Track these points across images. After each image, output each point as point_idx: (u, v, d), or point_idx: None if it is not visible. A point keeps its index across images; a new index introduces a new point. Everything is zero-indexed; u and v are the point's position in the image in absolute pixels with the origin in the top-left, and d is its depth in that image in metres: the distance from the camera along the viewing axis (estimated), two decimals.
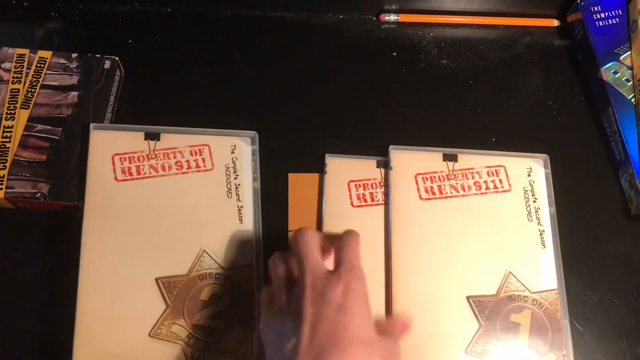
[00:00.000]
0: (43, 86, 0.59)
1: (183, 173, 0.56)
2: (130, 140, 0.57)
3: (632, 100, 0.62)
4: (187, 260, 0.53)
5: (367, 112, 0.65)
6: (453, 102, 0.65)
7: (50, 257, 0.55)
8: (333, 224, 0.56)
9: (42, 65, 0.60)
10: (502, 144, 0.63)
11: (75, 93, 0.59)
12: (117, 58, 0.61)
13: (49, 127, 0.57)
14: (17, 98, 0.58)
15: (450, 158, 0.58)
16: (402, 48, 0.68)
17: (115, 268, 0.52)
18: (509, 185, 0.58)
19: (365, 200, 0.57)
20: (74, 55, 0.61)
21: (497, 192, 0.57)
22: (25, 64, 0.60)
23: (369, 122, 0.64)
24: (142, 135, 0.57)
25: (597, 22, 0.66)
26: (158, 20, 0.68)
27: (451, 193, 0.57)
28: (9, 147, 0.55)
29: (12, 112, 0.57)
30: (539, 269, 0.55)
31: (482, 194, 0.57)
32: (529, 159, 0.59)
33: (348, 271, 0.42)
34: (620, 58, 0.64)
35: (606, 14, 0.66)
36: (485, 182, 0.58)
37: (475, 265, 0.55)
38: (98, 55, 0.61)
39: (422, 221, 0.56)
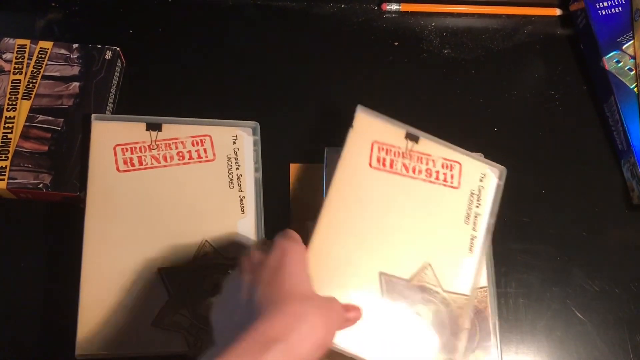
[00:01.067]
0: (44, 77, 0.59)
1: (185, 164, 0.56)
2: (131, 130, 0.57)
3: (635, 89, 0.62)
4: (189, 251, 0.54)
5: (368, 102, 0.64)
6: (455, 92, 0.65)
7: (53, 248, 0.55)
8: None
9: (43, 56, 0.60)
10: (504, 133, 0.63)
11: (76, 84, 0.59)
12: (118, 48, 0.61)
13: (50, 118, 0.57)
14: (19, 89, 0.58)
15: (411, 138, 0.56)
16: (404, 38, 0.68)
17: (118, 258, 0.52)
18: (459, 183, 0.56)
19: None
20: (75, 45, 0.60)
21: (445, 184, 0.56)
22: (26, 55, 0.60)
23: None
24: (143, 125, 0.57)
25: (599, 11, 0.65)
26: (159, 10, 0.68)
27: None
28: (10, 138, 0.55)
29: (14, 102, 0.57)
30: (459, 272, 0.53)
31: (431, 182, 0.55)
32: (487, 166, 0.57)
33: (283, 237, 0.43)
34: (623, 47, 0.64)
35: (609, 2, 0.65)
36: (437, 171, 0.56)
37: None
38: (99, 46, 0.61)
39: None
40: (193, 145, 0.57)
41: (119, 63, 0.61)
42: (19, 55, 0.59)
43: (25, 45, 0.60)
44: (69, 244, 0.53)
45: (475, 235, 0.54)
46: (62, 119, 0.57)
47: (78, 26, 0.66)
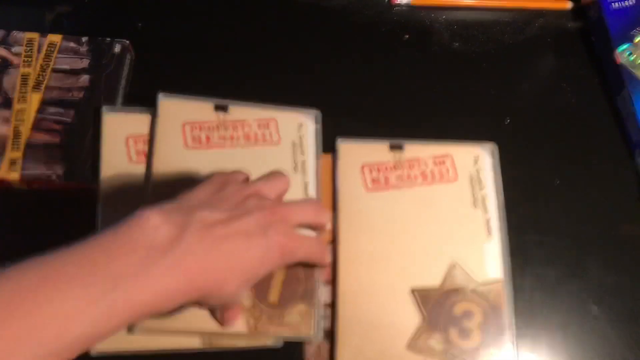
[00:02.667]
0: (54, 70, 0.58)
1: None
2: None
3: None
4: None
5: (378, 95, 0.64)
6: (466, 85, 0.65)
7: (65, 239, 0.54)
8: (347, 209, 0.56)
9: (53, 49, 0.59)
10: (516, 126, 0.63)
11: (86, 76, 0.58)
12: (127, 41, 0.61)
13: (61, 110, 0.56)
14: (28, 81, 0.57)
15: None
16: (414, 31, 0.68)
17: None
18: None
19: (379, 184, 0.57)
20: (84, 39, 0.60)
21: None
22: (35, 48, 0.59)
23: (381, 105, 0.63)
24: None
25: (612, 4, 0.65)
26: (169, 3, 0.67)
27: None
28: (22, 130, 0.55)
29: (24, 95, 0.57)
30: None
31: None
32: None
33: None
34: (636, 40, 0.63)
35: None
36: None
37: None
38: (108, 39, 0.60)
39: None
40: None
41: (128, 56, 0.61)
42: (28, 49, 0.59)
43: (34, 38, 0.60)
44: (81, 235, 0.52)
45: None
46: (73, 111, 0.56)
47: (87, 19, 0.65)
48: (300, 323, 0.51)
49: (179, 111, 0.56)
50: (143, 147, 0.55)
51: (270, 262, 0.43)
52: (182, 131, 0.56)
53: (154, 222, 0.37)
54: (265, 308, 0.51)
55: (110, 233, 0.36)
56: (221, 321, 0.49)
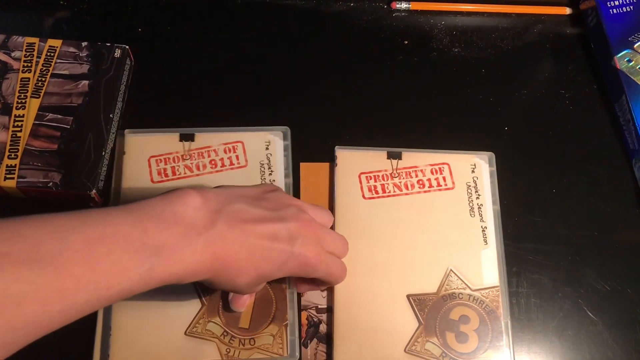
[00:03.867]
0: (53, 75, 0.58)
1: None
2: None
3: None
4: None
5: (378, 101, 0.64)
6: (465, 91, 0.65)
7: None
8: (345, 216, 0.56)
9: (52, 54, 0.59)
10: (514, 132, 0.63)
11: (85, 82, 0.58)
12: (127, 47, 0.61)
13: (59, 116, 0.56)
14: (28, 87, 0.57)
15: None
16: (414, 36, 0.68)
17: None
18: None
19: (376, 192, 0.57)
20: (84, 44, 0.60)
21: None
22: (35, 53, 0.59)
23: (381, 111, 0.63)
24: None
25: (611, 10, 0.65)
26: (169, 8, 0.67)
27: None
28: (20, 137, 0.55)
29: (23, 101, 0.57)
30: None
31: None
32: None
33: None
34: (635, 46, 0.63)
35: (620, 1, 0.65)
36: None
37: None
38: (108, 44, 0.60)
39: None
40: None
41: (128, 61, 0.61)
42: (28, 54, 0.59)
43: (34, 43, 0.60)
44: None
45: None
46: (72, 117, 0.56)
47: (87, 24, 0.66)
48: (272, 344, 0.51)
49: (145, 145, 0.57)
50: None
51: (289, 269, 0.45)
52: (148, 165, 0.57)
53: (195, 203, 0.40)
54: (237, 333, 0.51)
55: (160, 203, 0.40)
56: (229, 303, 0.50)
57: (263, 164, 0.57)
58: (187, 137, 0.58)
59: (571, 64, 0.67)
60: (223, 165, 0.57)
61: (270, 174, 0.57)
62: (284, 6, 0.68)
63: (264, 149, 0.58)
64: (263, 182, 0.57)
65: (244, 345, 0.51)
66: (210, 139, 0.58)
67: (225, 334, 0.51)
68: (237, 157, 0.57)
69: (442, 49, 0.67)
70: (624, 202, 0.61)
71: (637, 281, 0.57)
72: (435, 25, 0.69)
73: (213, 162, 0.57)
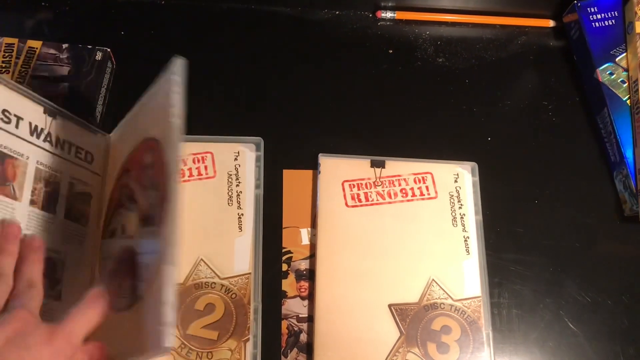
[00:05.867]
0: (33, 77, 0.57)
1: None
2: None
3: (627, 101, 0.62)
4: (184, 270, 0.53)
5: (362, 109, 0.64)
6: (449, 101, 0.65)
7: None
8: (327, 224, 0.56)
9: (32, 55, 0.58)
10: (497, 143, 0.63)
11: (65, 84, 0.57)
12: (108, 49, 0.60)
13: None
14: None
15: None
16: (399, 45, 0.68)
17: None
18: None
19: (359, 200, 0.57)
20: (65, 45, 0.59)
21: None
22: (14, 54, 0.58)
23: (365, 119, 0.63)
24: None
25: (593, 23, 0.65)
26: (151, 12, 0.67)
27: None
28: None
29: None
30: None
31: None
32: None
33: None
34: (616, 59, 0.64)
35: (602, 15, 0.66)
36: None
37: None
38: (89, 46, 0.60)
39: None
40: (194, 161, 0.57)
41: (109, 64, 0.60)
42: (7, 54, 0.58)
43: (14, 43, 0.59)
44: None
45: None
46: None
47: (68, 26, 0.65)
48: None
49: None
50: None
51: None
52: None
53: None
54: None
55: None
56: None
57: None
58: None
59: (554, 76, 0.68)
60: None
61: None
62: (269, 13, 0.68)
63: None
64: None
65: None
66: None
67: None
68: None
69: (427, 59, 0.67)
70: (605, 213, 0.61)
71: (617, 293, 0.58)
72: (420, 35, 0.69)
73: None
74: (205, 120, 0.60)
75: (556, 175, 0.62)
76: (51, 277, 0.46)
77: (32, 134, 0.47)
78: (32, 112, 0.47)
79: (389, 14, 0.69)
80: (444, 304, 0.53)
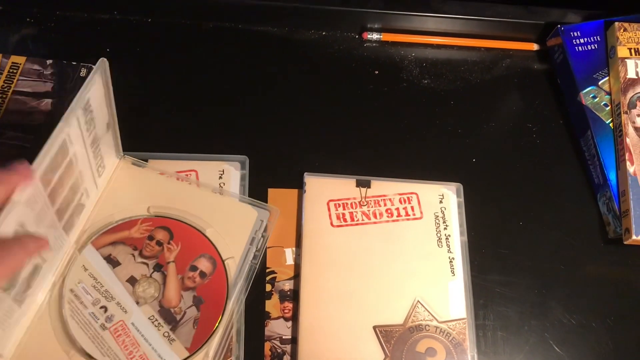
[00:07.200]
0: (15, 92, 0.57)
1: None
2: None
3: (610, 124, 0.63)
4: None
5: (348, 129, 0.64)
6: (434, 122, 0.65)
7: None
8: (312, 244, 0.55)
9: (15, 71, 0.58)
10: (482, 164, 0.63)
11: (48, 100, 0.57)
12: (93, 66, 0.59)
13: (20, 135, 0.55)
14: None
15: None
16: (384, 67, 0.68)
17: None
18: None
19: (345, 220, 0.56)
20: (49, 61, 0.59)
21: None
22: None
23: (350, 139, 0.63)
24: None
25: (576, 47, 0.66)
26: (138, 30, 0.66)
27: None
28: None
29: None
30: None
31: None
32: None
33: None
34: (599, 83, 0.65)
35: (585, 39, 0.67)
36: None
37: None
38: (74, 63, 0.59)
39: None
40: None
41: None
42: None
43: None
44: None
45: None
46: (33, 136, 0.55)
47: (53, 43, 0.64)
48: None
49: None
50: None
51: None
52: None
53: None
54: None
55: None
56: None
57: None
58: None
59: (538, 99, 0.68)
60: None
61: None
62: (255, 32, 0.68)
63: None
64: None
65: None
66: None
67: None
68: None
69: (412, 80, 0.68)
70: (589, 236, 0.61)
71: (602, 315, 0.57)
72: (405, 57, 0.69)
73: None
74: (191, 138, 0.60)
75: (540, 197, 0.62)
76: None
77: None
78: None
79: (375, 36, 0.69)
80: (429, 325, 0.53)
